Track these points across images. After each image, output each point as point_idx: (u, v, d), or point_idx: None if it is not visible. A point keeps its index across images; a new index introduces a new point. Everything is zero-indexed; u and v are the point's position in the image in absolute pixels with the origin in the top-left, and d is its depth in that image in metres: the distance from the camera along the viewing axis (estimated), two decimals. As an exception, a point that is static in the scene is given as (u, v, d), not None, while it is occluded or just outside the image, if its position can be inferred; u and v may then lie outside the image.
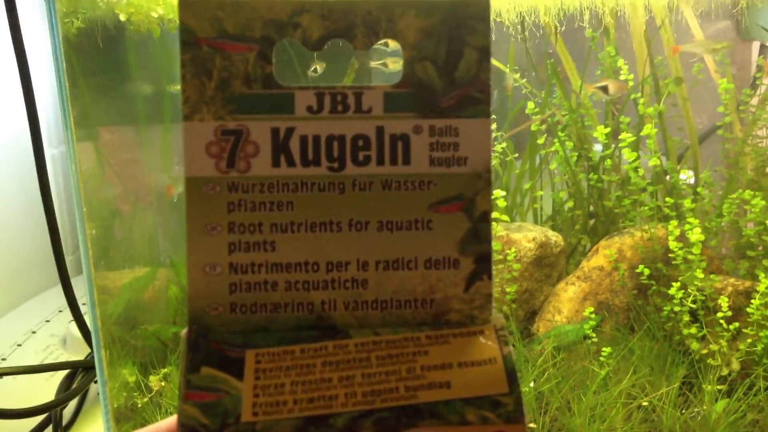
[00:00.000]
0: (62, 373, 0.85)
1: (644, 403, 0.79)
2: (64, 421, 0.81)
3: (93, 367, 0.80)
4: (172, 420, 0.28)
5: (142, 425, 0.81)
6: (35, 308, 1.05)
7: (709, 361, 0.82)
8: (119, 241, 0.92)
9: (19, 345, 0.93)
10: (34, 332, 0.98)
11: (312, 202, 0.28)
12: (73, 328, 0.92)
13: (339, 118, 0.28)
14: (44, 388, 0.82)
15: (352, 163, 0.28)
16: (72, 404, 0.83)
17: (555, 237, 0.94)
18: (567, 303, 0.91)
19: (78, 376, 0.83)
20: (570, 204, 1.01)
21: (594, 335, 0.84)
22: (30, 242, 1.09)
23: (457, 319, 0.28)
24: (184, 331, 0.27)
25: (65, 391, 0.80)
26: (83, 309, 0.81)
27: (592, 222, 1.00)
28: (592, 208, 1.00)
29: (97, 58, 0.78)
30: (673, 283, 0.82)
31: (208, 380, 0.26)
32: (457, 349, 0.27)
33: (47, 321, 1.01)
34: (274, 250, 0.28)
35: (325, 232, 0.28)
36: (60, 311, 1.02)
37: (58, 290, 0.82)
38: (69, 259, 1.12)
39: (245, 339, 0.27)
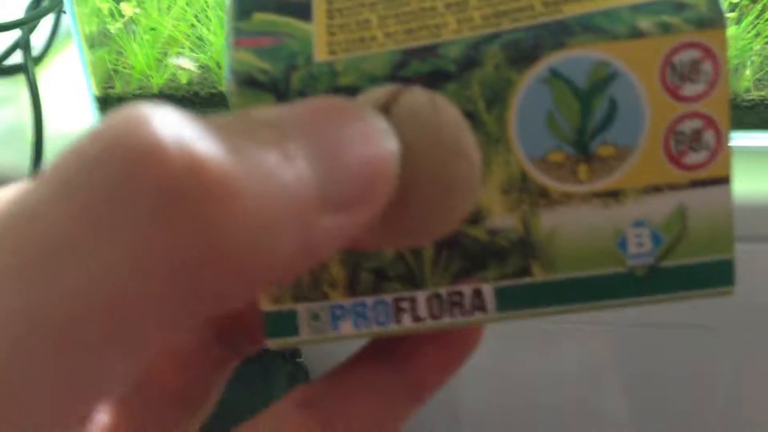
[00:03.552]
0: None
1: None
2: (35, 53, 0.76)
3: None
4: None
5: (118, 52, 0.77)
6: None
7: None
8: None
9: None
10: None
11: None
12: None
13: None
14: (11, 13, 0.77)
15: None
16: (42, 38, 0.78)
17: None
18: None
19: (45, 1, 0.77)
20: None
21: None
22: None
23: None
24: None
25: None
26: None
27: None
28: None
29: None
30: None
31: (263, 25, 0.19)
32: None
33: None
34: None
35: None
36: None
37: None
38: None
39: None
